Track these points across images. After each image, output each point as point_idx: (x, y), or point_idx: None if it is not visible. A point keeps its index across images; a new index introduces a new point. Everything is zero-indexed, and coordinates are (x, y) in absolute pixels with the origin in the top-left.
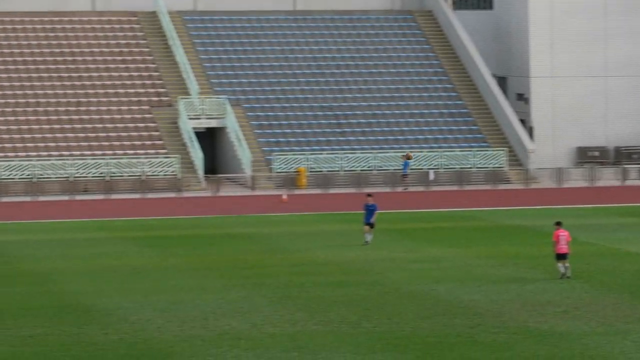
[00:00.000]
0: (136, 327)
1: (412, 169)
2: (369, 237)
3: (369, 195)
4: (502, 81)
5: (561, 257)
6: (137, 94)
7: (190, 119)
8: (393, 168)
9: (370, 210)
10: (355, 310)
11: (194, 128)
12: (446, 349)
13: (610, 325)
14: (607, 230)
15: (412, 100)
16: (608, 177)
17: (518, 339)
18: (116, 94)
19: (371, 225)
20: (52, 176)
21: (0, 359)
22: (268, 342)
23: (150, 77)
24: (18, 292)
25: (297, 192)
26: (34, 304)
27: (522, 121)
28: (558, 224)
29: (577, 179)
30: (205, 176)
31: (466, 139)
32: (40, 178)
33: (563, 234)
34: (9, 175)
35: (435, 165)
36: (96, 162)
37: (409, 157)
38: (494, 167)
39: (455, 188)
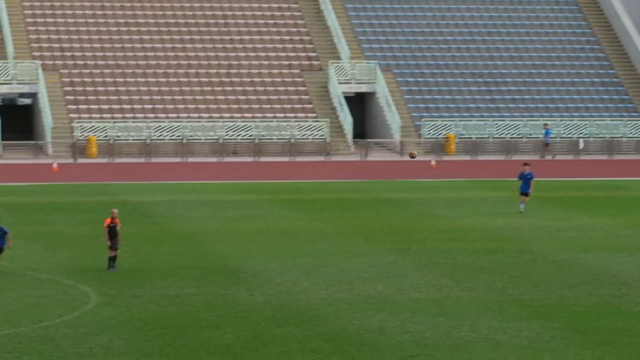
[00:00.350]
0: (282, 290)
1: (561, 138)
2: (522, 206)
3: (526, 164)
4: None
5: None
6: (288, 58)
7: (340, 83)
8: (542, 136)
9: (526, 179)
10: (501, 278)
11: (344, 92)
12: (592, 318)
13: None
14: None
15: (563, 68)
16: None
17: None
18: (267, 57)
19: (526, 195)
20: (201, 138)
21: (147, 317)
22: (413, 307)
23: (301, 41)
24: (166, 252)
25: (445, 158)
26: (182, 264)
27: None
28: None
29: None
30: (354, 141)
31: (617, 109)
32: (190, 139)
33: None
34: (159, 136)
35: (585, 134)
36: (246, 125)
37: (546, 126)
38: None
39: (604, 157)
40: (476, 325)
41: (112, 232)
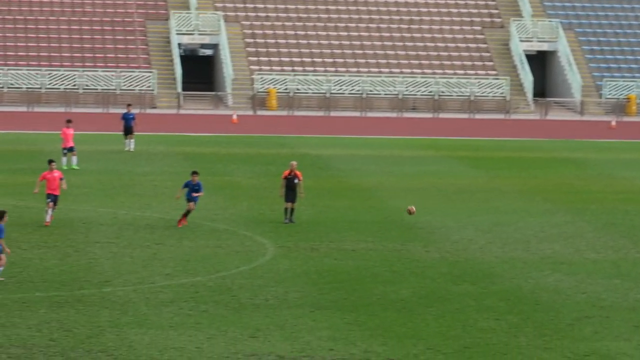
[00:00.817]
0: (458, 247)
1: None
2: None
3: None
4: None
5: None
6: (470, 14)
7: (522, 41)
8: None
9: None
10: None
11: (525, 50)
12: None
13: None
14: None
15: None
16: None
17: None
18: (448, 14)
19: None
20: (381, 93)
21: (323, 271)
22: (590, 268)
23: None
24: (343, 206)
25: (626, 119)
26: (358, 219)
27: None
28: None
29: None
30: (534, 99)
31: None
32: (370, 94)
33: None
34: (339, 90)
35: None
36: (425, 81)
37: None
38: None
39: None
40: None
41: (289, 184)
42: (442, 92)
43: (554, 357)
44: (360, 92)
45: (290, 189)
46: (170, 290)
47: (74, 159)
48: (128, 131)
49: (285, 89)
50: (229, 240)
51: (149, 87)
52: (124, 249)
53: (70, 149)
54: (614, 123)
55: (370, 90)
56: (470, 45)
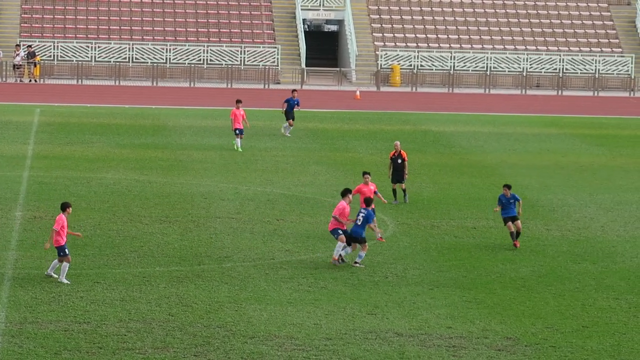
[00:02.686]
0: (579, 225)
1: None
2: None
3: None
4: None
5: None
6: None
7: None
8: None
9: None
10: None
11: None
12: None
13: None
14: None
15: None
16: None
17: None
18: None
19: None
20: (505, 70)
21: (443, 248)
22: None
23: None
24: (464, 183)
25: None
26: (480, 196)
27: None
28: None
29: None
30: None
31: None
32: (494, 71)
33: None
34: (463, 67)
35: None
36: (550, 58)
37: None
38: None
39: None
40: None
41: (394, 164)
42: (567, 69)
43: None
44: (484, 68)
45: (396, 170)
46: (290, 267)
47: (238, 141)
48: (289, 116)
49: (409, 65)
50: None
51: (273, 62)
52: (245, 225)
53: (241, 131)
54: None
55: (494, 67)
56: (596, 22)
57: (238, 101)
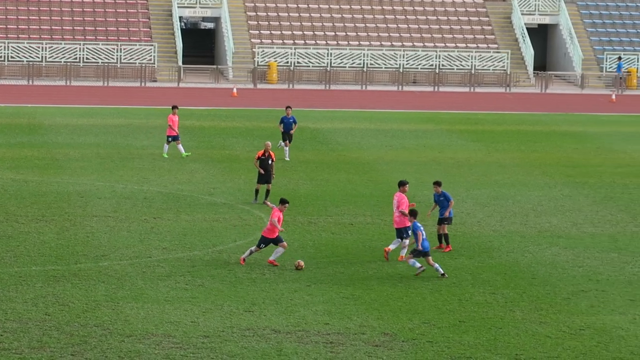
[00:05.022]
0: (456, 220)
1: None
2: None
3: None
4: None
5: None
6: None
7: (523, 14)
8: None
9: None
10: None
11: (526, 24)
12: None
13: None
14: None
15: None
16: None
17: None
18: None
19: None
20: (382, 66)
21: (320, 244)
22: (587, 242)
23: None
24: (341, 179)
25: (627, 92)
26: (357, 192)
27: None
28: None
29: None
30: (535, 73)
31: None
32: (370, 67)
33: None
34: (339, 64)
35: None
36: (426, 54)
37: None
38: None
39: None
40: None
41: (263, 164)
42: (443, 65)
43: (549, 332)
44: (360, 65)
45: (266, 170)
46: (167, 265)
47: (181, 148)
48: (286, 137)
49: (286, 62)
50: (226, 214)
51: (149, 60)
52: (121, 223)
53: (175, 138)
54: (614, 96)
55: (371, 64)
56: (472, 18)
57: (174, 107)
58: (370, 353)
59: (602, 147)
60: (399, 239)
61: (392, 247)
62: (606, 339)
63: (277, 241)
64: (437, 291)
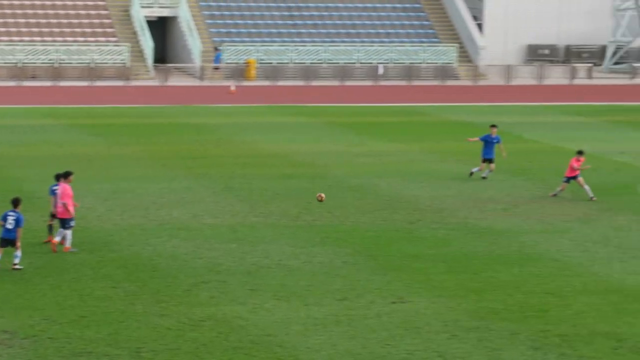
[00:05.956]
0: (76, 215)
1: (362, 63)
2: (485, 173)
3: (493, 126)
4: None
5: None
6: None
7: (143, 7)
8: (343, 62)
9: (492, 144)
10: (296, 203)
11: (146, 17)
12: (384, 243)
13: (549, 223)
14: (551, 129)
15: None
16: (557, 76)
17: (457, 235)
18: None
19: (490, 161)
20: (0, 62)
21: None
22: (208, 233)
23: None
24: None
25: (245, 83)
26: None
27: (475, 17)
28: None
29: (525, 77)
30: (155, 65)
31: (417, 34)
32: None
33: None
34: None
35: (385, 60)
36: (45, 49)
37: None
38: (443, 63)
39: (404, 83)
40: (269, 251)
41: None
42: (62, 59)
43: (170, 324)
44: None
45: None
46: None
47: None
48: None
49: None
50: None
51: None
52: None
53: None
54: (233, 88)
55: None
56: (91, 12)
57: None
58: None
59: (222, 138)
60: (63, 229)
61: (57, 238)
62: (227, 329)
63: None
64: (58, 287)
